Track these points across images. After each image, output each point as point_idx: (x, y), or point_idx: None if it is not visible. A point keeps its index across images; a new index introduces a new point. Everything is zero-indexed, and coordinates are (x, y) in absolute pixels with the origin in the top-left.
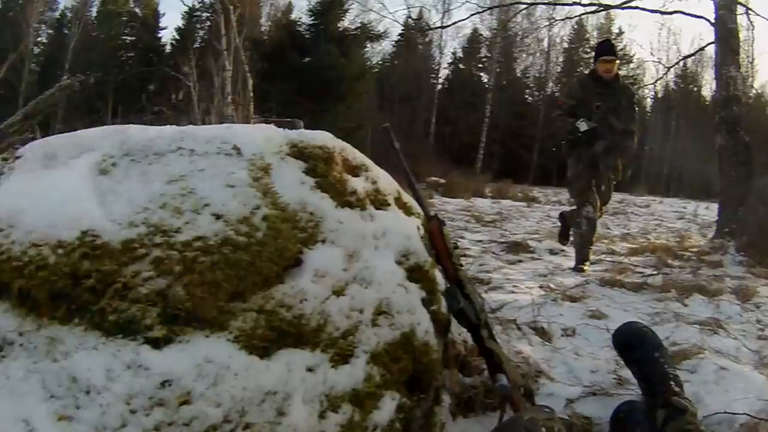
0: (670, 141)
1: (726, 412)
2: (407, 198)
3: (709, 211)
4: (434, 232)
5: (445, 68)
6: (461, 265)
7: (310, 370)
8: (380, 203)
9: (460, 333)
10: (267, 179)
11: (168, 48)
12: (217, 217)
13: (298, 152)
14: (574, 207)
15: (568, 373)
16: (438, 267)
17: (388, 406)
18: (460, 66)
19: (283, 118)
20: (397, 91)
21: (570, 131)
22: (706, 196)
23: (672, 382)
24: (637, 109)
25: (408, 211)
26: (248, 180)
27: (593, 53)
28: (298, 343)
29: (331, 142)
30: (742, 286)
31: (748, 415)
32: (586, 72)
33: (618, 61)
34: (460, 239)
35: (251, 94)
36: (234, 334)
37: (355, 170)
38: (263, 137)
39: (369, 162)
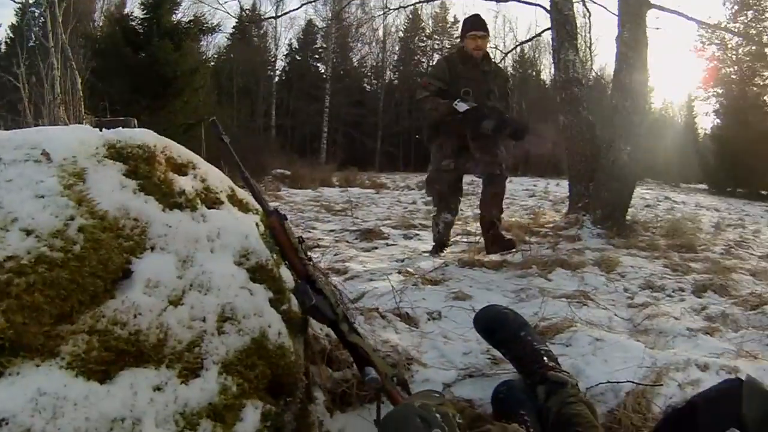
0: None
1: (609, 382)
2: (242, 194)
3: (559, 187)
4: (275, 227)
5: (281, 60)
6: (310, 260)
7: (157, 389)
8: (212, 202)
9: (322, 328)
10: (81, 186)
11: (2, 47)
12: (28, 232)
13: (117, 153)
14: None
15: (440, 357)
16: (284, 264)
17: (251, 416)
18: (297, 57)
19: (119, 117)
20: (235, 84)
21: (446, 113)
22: (555, 173)
23: (545, 358)
24: (510, 96)
25: (244, 208)
26: (59, 188)
27: (460, 30)
28: (140, 362)
29: (152, 140)
30: (604, 257)
31: (632, 382)
32: (453, 51)
33: (488, 38)
34: (311, 230)
35: (80, 94)
36: (66, 360)
37: (182, 168)
38: (77, 139)
39: (197, 159)
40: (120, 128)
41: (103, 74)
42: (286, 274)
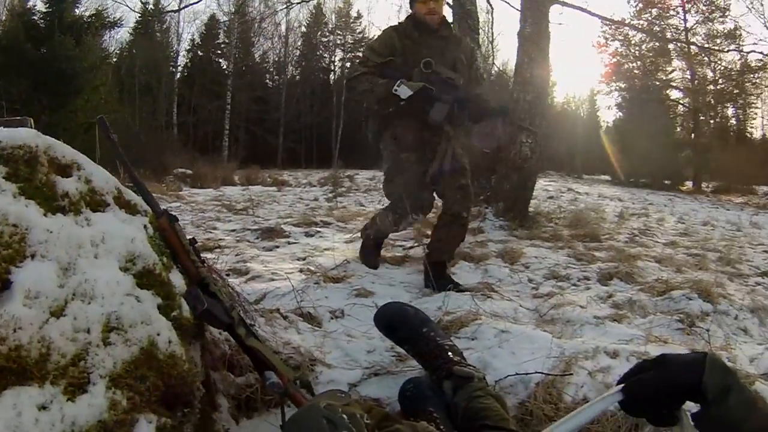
0: None
1: (518, 374)
2: (130, 195)
3: None
4: (165, 229)
5: (183, 56)
6: (203, 262)
7: (43, 408)
8: (97, 204)
9: (221, 332)
10: None
11: None
12: None
13: None
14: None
15: (345, 356)
16: (176, 268)
17: (145, 431)
18: (199, 52)
19: (18, 116)
20: (137, 81)
21: (384, 96)
22: None
23: (449, 353)
24: (481, 69)
25: (132, 209)
26: None
27: None
28: (23, 380)
29: (34, 140)
30: (507, 248)
31: (542, 373)
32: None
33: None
34: (212, 230)
35: None
36: None
37: (66, 170)
38: None
39: (83, 159)
40: (1, 128)
41: (3, 72)
42: (177, 279)
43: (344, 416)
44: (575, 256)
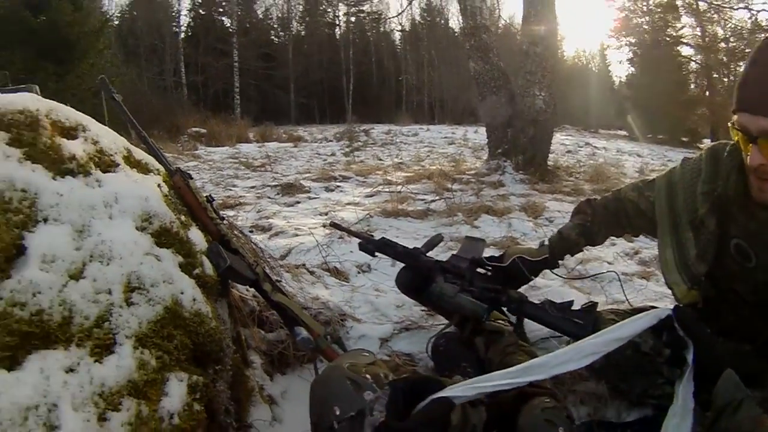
0: (425, 71)
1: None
2: (141, 155)
3: (478, 134)
4: (180, 187)
5: (185, 15)
6: (222, 218)
7: (71, 370)
8: (107, 165)
9: (248, 288)
10: None
11: None
12: None
13: None
14: None
15: (374, 311)
16: (195, 225)
17: (176, 390)
18: (201, 12)
19: (23, 85)
20: (141, 43)
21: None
22: (472, 120)
23: None
24: None
25: (144, 169)
26: None
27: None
28: (48, 343)
29: (34, 104)
30: (529, 202)
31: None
32: None
33: None
34: (232, 188)
35: None
36: None
37: (71, 132)
38: None
39: (87, 120)
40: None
41: (5, 42)
42: (197, 237)
43: (367, 376)
44: None
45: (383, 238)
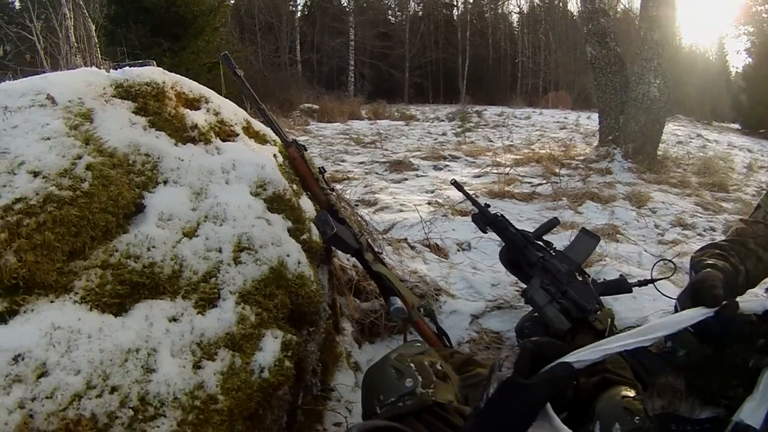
0: (542, 54)
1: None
2: (259, 126)
3: (590, 120)
4: (295, 158)
5: None
6: (332, 189)
7: (173, 320)
8: (227, 135)
9: (348, 258)
10: (88, 125)
11: (16, 4)
12: (35, 174)
13: (125, 92)
14: None
15: (469, 288)
16: (306, 195)
17: (270, 346)
18: None
19: (140, 60)
20: (257, 21)
21: None
22: (586, 106)
23: None
24: None
25: (261, 139)
26: (65, 129)
27: None
28: (156, 294)
29: (160, 77)
30: (635, 192)
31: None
32: None
33: None
34: (341, 163)
35: (95, 40)
36: (80, 295)
37: (194, 103)
38: (83, 82)
39: (209, 93)
40: (127, 68)
41: (120, 20)
42: (307, 205)
43: (411, 365)
44: (702, 204)
45: (498, 213)
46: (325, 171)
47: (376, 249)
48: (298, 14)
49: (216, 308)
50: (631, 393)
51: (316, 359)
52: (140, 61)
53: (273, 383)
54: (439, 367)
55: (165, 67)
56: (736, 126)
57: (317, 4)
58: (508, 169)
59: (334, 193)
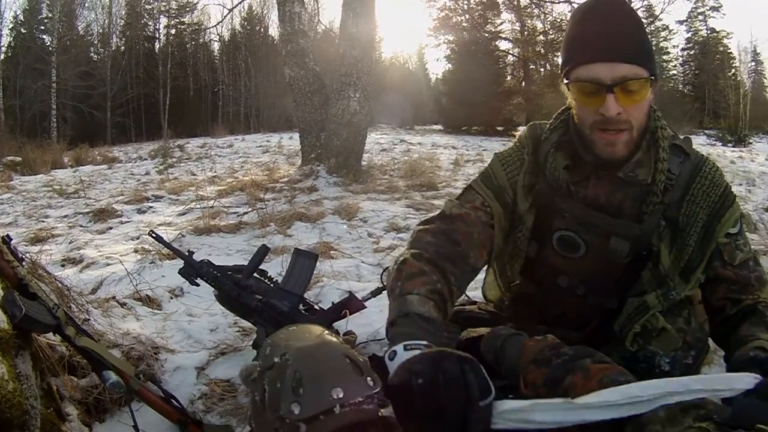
0: (242, 80)
1: (377, 340)
2: None
3: (293, 141)
4: None
5: (6, 35)
6: (21, 260)
7: None
8: None
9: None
10: None
11: None
12: None
13: None
14: None
15: (188, 338)
16: None
17: None
18: (23, 30)
19: None
20: None
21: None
22: (287, 127)
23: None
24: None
25: None
26: None
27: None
28: None
29: None
30: (343, 204)
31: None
32: None
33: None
34: (44, 219)
35: None
36: None
37: None
38: None
39: None
40: None
41: None
42: None
43: (365, 359)
44: (413, 206)
45: (205, 261)
46: (12, 239)
47: (81, 316)
48: (2, 56)
49: None
50: None
51: None
52: None
53: None
54: None
55: None
56: (439, 127)
57: (20, 45)
58: (212, 202)
59: (25, 263)
